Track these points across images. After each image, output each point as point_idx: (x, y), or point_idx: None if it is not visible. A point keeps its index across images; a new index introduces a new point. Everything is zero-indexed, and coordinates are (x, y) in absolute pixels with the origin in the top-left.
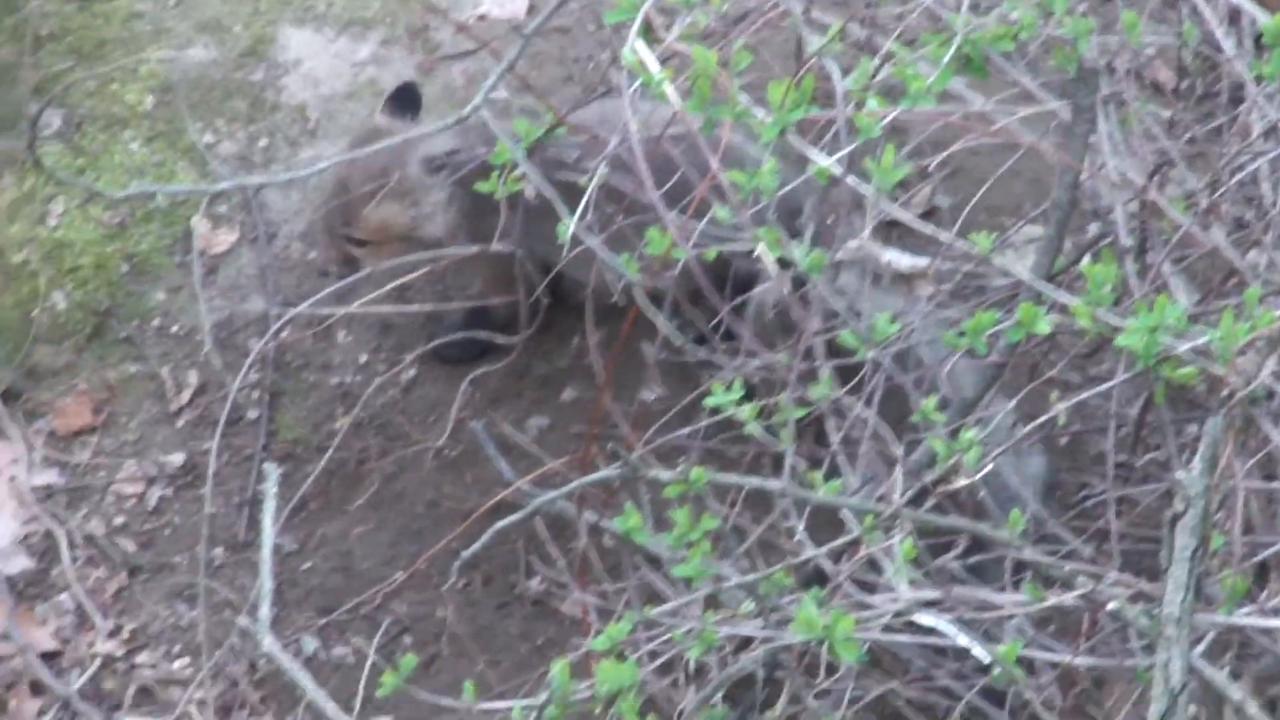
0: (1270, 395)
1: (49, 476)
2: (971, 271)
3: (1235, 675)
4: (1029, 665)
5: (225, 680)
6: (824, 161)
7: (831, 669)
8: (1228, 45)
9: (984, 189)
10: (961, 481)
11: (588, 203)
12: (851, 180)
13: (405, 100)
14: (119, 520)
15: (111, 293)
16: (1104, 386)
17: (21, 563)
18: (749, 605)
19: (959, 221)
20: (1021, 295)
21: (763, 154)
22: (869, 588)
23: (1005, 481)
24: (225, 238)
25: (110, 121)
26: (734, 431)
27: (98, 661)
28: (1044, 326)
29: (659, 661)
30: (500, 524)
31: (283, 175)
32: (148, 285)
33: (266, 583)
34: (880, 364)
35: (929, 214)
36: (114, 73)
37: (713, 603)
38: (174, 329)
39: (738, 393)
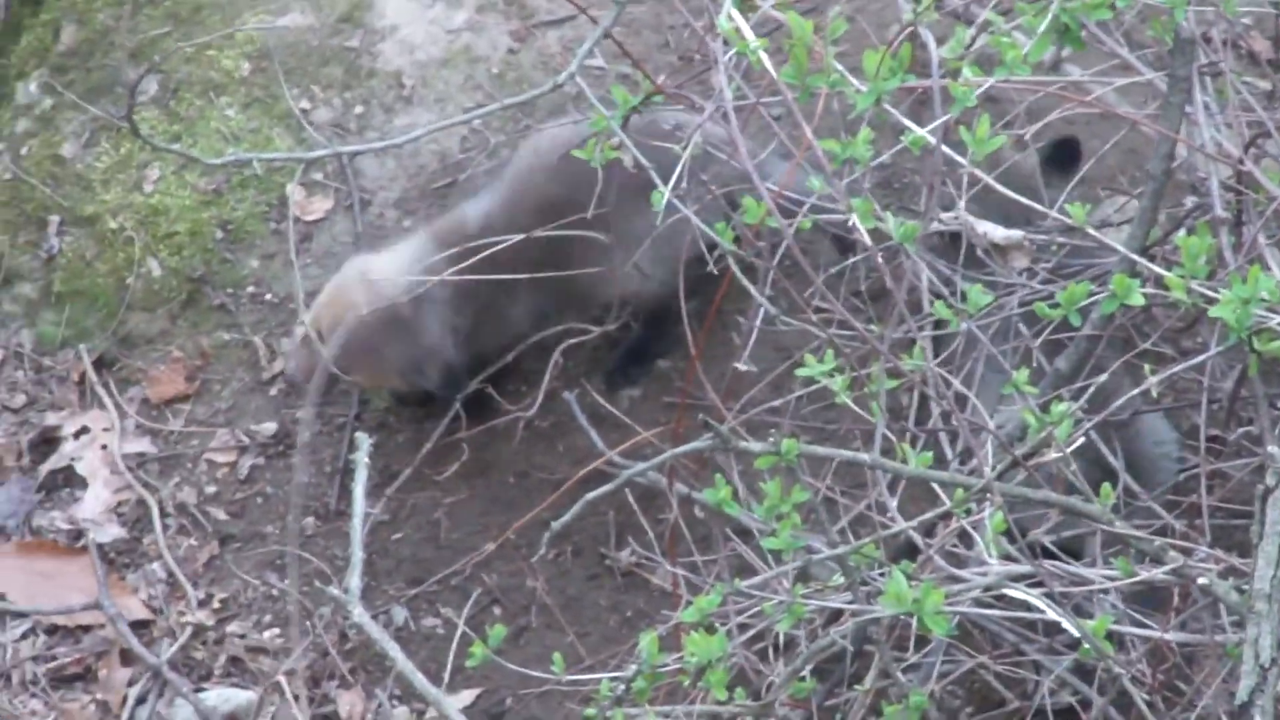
0: None
1: (142, 445)
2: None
3: None
4: (1119, 640)
5: (315, 650)
6: (919, 131)
7: (921, 643)
8: None
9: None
10: (1053, 455)
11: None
12: (946, 150)
13: None
14: (211, 489)
15: (206, 259)
16: (1197, 360)
17: (114, 531)
18: (839, 578)
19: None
20: (1116, 267)
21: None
22: (959, 561)
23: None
24: (320, 205)
25: (206, 87)
26: (827, 402)
27: (188, 631)
28: (1138, 298)
29: (748, 634)
30: (591, 495)
31: (378, 143)
32: (242, 252)
33: (357, 553)
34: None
35: None
36: (211, 39)
37: (803, 575)
38: (268, 296)
39: (830, 364)
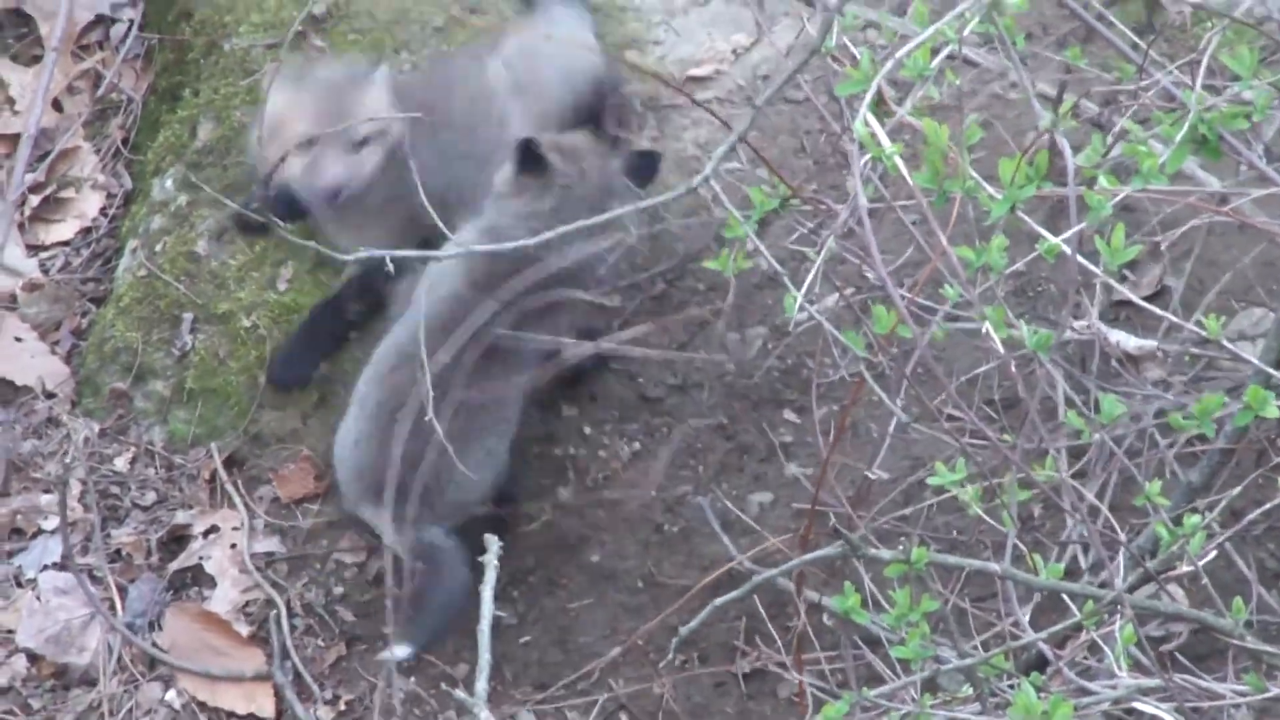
0: None
1: (270, 544)
2: (1200, 355)
3: None
4: None
5: None
6: (1053, 240)
7: None
8: None
9: (1215, 271)
10: (1185, 568)
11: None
12: (1080, 259)
13: None
14: (339, 590)
15: (337, 359)
16: None
17: (242, 630)
18: (967, 689)
19: (1200, 305)
20: (1251, 379)
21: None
22: (1089, 674)
23: None
24: None
25: None
26: (959, 512)
27: None
28: (1273, 411)
29: None
30: (719, 600)
31: (510, 244)
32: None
33: (485, 656)
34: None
35: (1158, 295)
36: None
37: (931, 685)
38: None
39: (962, 473)
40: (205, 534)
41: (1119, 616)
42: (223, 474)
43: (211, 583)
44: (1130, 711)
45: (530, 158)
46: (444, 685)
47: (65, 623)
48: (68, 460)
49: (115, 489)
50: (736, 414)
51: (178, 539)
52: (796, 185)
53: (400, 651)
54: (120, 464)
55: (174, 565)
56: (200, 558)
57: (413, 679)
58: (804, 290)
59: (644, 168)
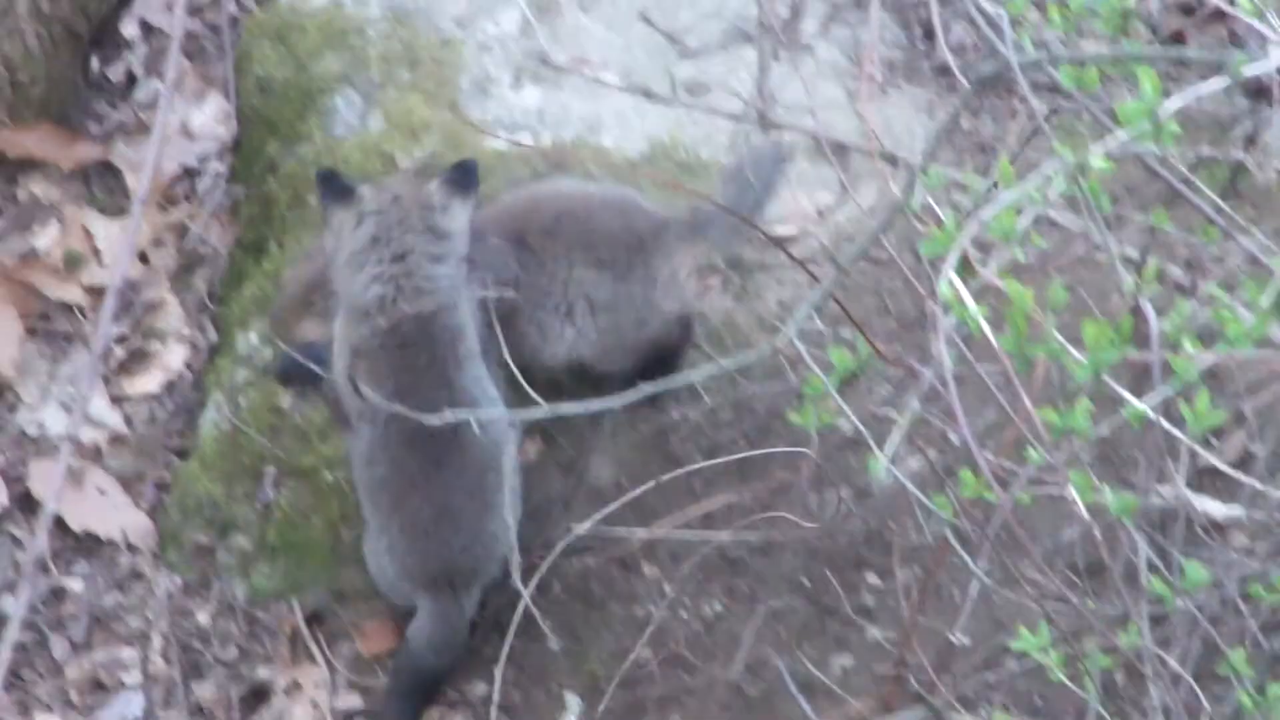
0: None
1: (352, 700)
2: None
3: None
4: None
5: None
6: (1137, 404)
7: None
8: None
9: None
10: None
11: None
12: (1165, 424)
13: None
14: None
15: None
16: None
17: None
18: None
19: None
20: None
21: None
22: None
23: None
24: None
25: None
26: (1041, 677)
27: None
28: None
29: None
30: None
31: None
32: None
33: None
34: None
35: (1243, 461)
36: None
37: None
38: None
39: (1044, 637)
40: (287, 690)
41: None
42: (304, 629)
43: None
44: None
45: (332, 185)
46: None
47: None
48: (150, 614)
49: (197, 643)
50: (818, 576)
51: (258, 694)
52: (880, 346)
53: None
54: (202, 618)
55: None
56: (282, 714)
57: None
58: (888, 453)
59: (463, 177)
